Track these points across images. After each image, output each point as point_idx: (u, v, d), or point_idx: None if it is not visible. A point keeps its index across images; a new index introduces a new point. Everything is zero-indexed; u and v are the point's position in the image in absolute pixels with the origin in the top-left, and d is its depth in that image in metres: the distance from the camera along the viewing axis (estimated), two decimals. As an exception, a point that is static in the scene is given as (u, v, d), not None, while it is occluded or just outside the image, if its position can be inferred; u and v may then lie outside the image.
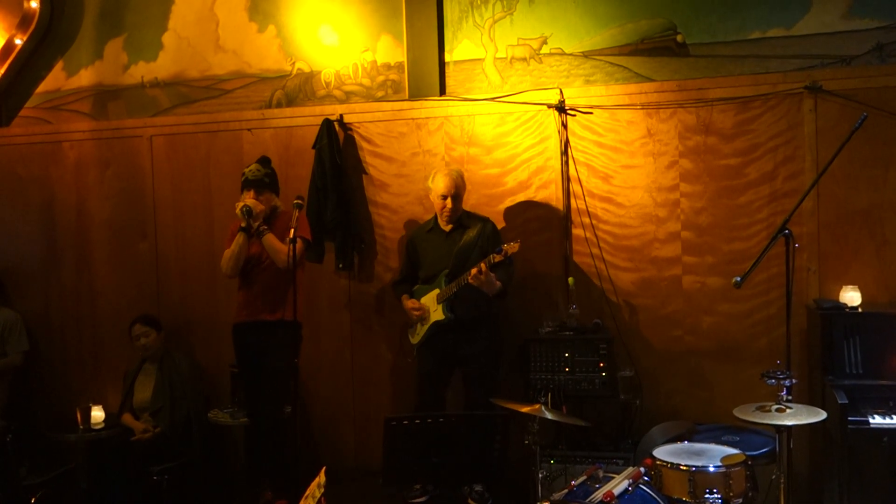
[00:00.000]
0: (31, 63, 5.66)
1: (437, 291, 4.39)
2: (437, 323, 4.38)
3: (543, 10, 4.76)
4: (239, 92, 5.31)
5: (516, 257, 4.21)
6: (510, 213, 4.79)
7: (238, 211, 4.41)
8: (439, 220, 4.50)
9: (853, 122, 3.38)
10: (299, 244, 4.25)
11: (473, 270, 4.14)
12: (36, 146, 5.65)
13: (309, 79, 5.20)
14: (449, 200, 4.39)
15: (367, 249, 5.03)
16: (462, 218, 4.48)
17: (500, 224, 4.62)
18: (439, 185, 4.40)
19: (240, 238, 4.44)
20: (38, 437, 5.22)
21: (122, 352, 5.16)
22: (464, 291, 4.26)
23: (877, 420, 3.66)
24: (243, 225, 4.42)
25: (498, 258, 4.08)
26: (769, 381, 3.18)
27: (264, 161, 4.62)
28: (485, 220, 4.50)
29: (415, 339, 4.51)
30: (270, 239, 4.40)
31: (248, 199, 4.46)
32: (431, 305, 4.41)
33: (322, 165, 4.90)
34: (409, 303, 4.49)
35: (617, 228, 4.64)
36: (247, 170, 4.55)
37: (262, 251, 4.46)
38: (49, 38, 5.62)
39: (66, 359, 5.62)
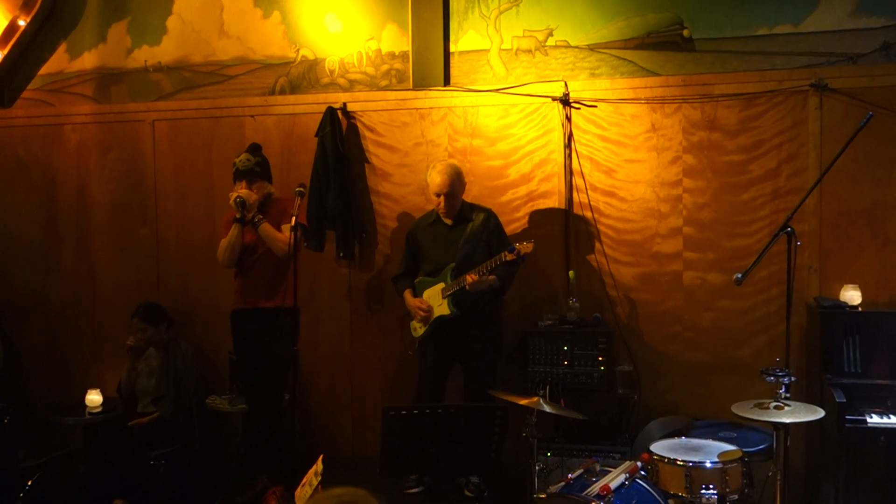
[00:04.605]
0: (34, 45, 5.63)
1: (442, 285, 4.37)
2: (441, 317, 4.37)
3: (550, 1, 4.74)
4: (243, 78, 5.29)
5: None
6: (512, 205, 4.78)
7: (232, 202, 4.40)
8: (440, 214, 4.49)
9: (858, 121, 3.37)
10: (298, 231, 4.24)
11: (469, 279, 4.15)
12: (38, 128, 5.62)
13: (313, 66, 5.18)
14: (443, 198, 4.36)
15: (369, 238, 5.02)
16: (464, 211, 4.45)
17: (502, 217, 4.60)
18: (434, 182, 4.37)
19: (235, 228, 4.44)
20: (36, 419, 5.23)
21: (121, 336, 5.13)
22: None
23: (874, 419, 3.67)
24: (238, 216, 4.42)
25: (510, 257, 4.05)
26: (768, 379, 3.19)
27: (254, 149, 4.60)
28: (488, 212, 4.48)
29: (417, 334, 4.50)
30: (267, 228, 4.40)
31: (241, 189, 4.45)
32: (436, 299, 4.39)
33: (325, 153, 4.88)
34: (415, 301, 4.46)
35: (619, 223, 4.64)
36: (237, 160, 4.53)
37: (257, 240, 4.45)
38: (52, 20, 5.59)
39: (64, 342, 5.61)
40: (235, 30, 5.29)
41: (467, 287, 4.19)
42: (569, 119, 4.67)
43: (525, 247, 4.04)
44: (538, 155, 4.74)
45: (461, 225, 4.43)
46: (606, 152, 4.65)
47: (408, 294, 4.52)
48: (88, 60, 5.56)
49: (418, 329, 4.49)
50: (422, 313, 4.42)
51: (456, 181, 4.37)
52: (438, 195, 4.36)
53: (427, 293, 4.45)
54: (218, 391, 5.05)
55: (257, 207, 4.45)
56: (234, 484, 4.82)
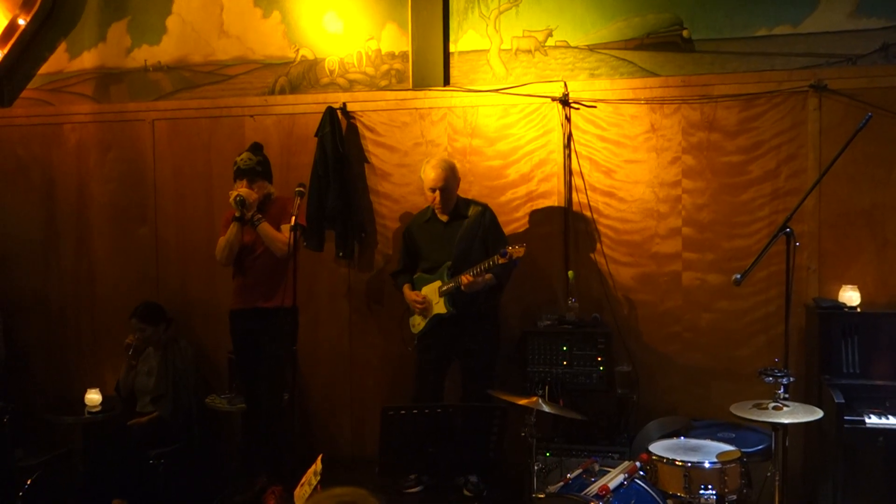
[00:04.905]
0: (34, 44, 5.63)
1: (438, 284, 4.37)
2: (438, 315, 4.37)
3: (550, 1, 4.74)
4: (242, 78, 5.29)
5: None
6: (511, 205, 4.78)
7: (231, 201, 4.40)
8: (435, 211, 4.49)
9: (857, 122, 3.37)
10: (298, 231, 4.24)
11: (464, 280, 4.15)
12: (37, 128, 5.62)
13: (313, 66, 5.18)
14: (438, 193, 4.36)
15: (368, 238, 5.02)
16: (459, 206, 4.45)
17: (501, 217, 4.61)
18: (428, 177, 4.36)
19: (234, 227, 4.45)
20: (36, 418, 5.23)
21: (121, 335, 5.13)
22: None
23: (873, 420, 3.68)
24: (237, 215, 4.42)
25: (502, 261, 4.05)
26: (766, 379, 3.19)
27: (256, 148, 4.60)
28: (483, 207, 4.47)
29: (416, 330, 4.50)
30: (266, 228, 4.40)
31: (242, 188, 4.45)
32: (433, 297, 4.39)
33: (324, 153, 4.88)
34: (413, 294, 4.46)
35: (618, 223, 4.64)
36: (238, 158, 4.53)
37: (256, 239, 4.45)
38: (52, 20, 5.59)
39: (64, 341, 5.61)
40: (235, 29, 5.29)
41: (463, 287, 4.19)
42: (568, 119, 4.67)
43: (517, 251, 4.04)
44: (538, 155, 4.75)
45: (457, 221, 4.43)
46: (606, 153, 4.65)
47: (406, 288, 4.52)
48: (88, 60, 5.56)
49: (417, 325, 4.49)
50: (419, 306, 4.42)
51: (450, 175, 4.37)
52: (433, 190, 4.36)
53: (425, 290, 4.44)
54: (217, 391, 5.06)
55: (257, 207, 4.45)
56: (234, 483, 4.82)
